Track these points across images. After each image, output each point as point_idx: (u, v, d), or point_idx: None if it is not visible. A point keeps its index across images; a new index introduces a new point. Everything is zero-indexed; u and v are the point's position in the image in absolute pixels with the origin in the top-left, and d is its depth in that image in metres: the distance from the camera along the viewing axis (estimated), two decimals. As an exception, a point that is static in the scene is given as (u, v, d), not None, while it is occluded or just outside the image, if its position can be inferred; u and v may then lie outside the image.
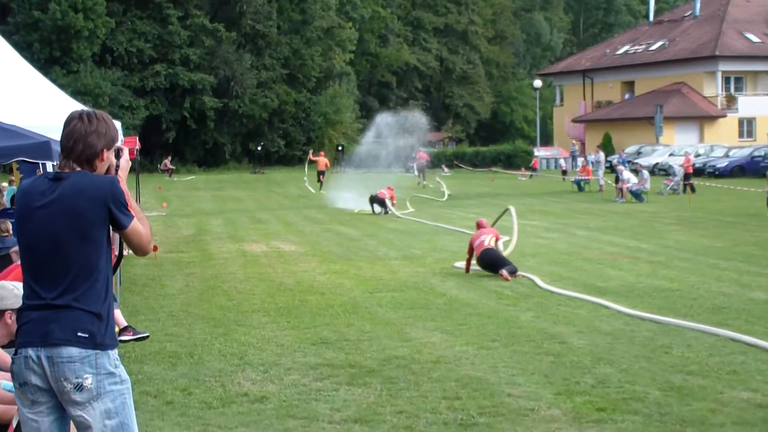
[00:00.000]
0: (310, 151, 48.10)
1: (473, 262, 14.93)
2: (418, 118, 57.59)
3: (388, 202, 27.68)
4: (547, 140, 77.19)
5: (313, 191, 41.05)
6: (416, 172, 48.06)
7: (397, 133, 67.47)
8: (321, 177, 43.65)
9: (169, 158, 58.78)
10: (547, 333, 10.11)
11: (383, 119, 51.90)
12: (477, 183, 47.48)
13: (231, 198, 36.57)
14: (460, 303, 12.19)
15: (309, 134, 70.41)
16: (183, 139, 64.11)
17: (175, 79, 61.28)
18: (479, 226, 15.48)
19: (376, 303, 12.24)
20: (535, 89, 72.52)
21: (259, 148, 61.24)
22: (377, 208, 27.95)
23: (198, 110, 62.56)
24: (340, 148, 61.25)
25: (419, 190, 36.85)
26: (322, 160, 45.49)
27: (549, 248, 18.43)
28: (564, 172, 49.69)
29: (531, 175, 51.58)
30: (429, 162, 51.48)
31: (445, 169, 59.76)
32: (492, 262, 14.55)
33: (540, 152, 63.76)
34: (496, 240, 15.01)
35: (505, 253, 15.38)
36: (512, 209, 17.88)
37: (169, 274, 15.24)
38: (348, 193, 35.03)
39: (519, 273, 14.56)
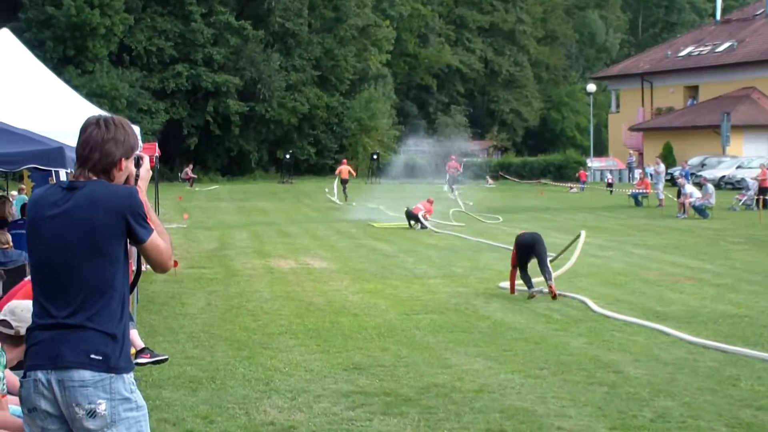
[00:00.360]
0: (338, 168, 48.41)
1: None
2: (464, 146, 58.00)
3: (420, 217, 27.68)
4: (601, 150, 76.84)
5: (338, 202, 41.15)
6: (446, 184, 48.50)
7: (438, 142, 67.71)
8: (344, 186, 43.98)
9: (191, 166, 59.24)
10: (601, 361, 10.03)
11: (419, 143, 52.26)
12: (524, 196, 47.32)
13: (257, 210, 36.74)
14: (506, 327, 12.14)
15: (341, 141, 70.67)
16: (205, 146, 64.57)
17: (198, 80, 61.77)
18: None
19: (413, 326, 12.23)
20: (589, 94, 72.27)
21: (288, 156, 61.53)
22: (414, 223, 28.03)
23: (222, 114, 62.99)
24: (375, 156, 61.51)
25: (467, 205, 36.77)
26: (345, 168, 45.77)
27: (603, 268, 18.30)
28: (610, 185, 49.29)
29: (582, 188, 51.38)
30: (460, 172, 51.82)
31: (489, 181, 59.76)
32: (528, 244, 14.66)
33: (593, 163, 63.46)
34: None
35: (555, 275, 15.25)
36: (583, 234, 17.54)
37: (190, 291, 15.32)
38: (377, 205, 35.03)
39: (569, 294, 14.48)
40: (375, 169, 61.60)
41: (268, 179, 64.28)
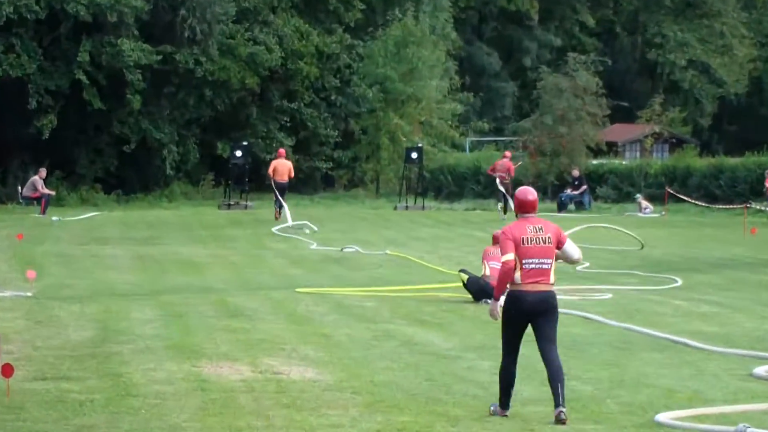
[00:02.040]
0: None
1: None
2: None
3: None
4: None
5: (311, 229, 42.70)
6: (500, 195, 49.63)
7: (540, 125, 67.96)
8: (279, 197, 46.74)
9: (43, 172, 59.29)
10: None
11: None
12: (716, 235, 47.21)
13: (175, 262, 36.78)
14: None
15: (346, 124, 70.89)
16: (74, 131, 64.70)
17: (60, 1, 61.92)
18: (524, 206, 16.16)
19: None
20: None
21: (239, 155, 61.37)
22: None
23: (108, 69, 63.13)
24: (414, 155, 61.22)
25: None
26: (283, 166, 46.74)
27: None
28: None
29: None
30: (511, 177, 52.78)
31: (645, 204, 59.40)
32: (530, 313, 15.77)
33: None
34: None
35: None
36: None
37: (39, 429, 15.24)
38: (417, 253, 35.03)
39: None
40: (417, 178, 61.55)
41: (199, 199, 64.45)
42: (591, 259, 36.01)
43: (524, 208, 16.05)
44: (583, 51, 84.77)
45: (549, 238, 15.69)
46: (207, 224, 50.45)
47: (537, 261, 15.56)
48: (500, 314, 15.82)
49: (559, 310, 23.32)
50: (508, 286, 15.62)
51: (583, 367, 19.73)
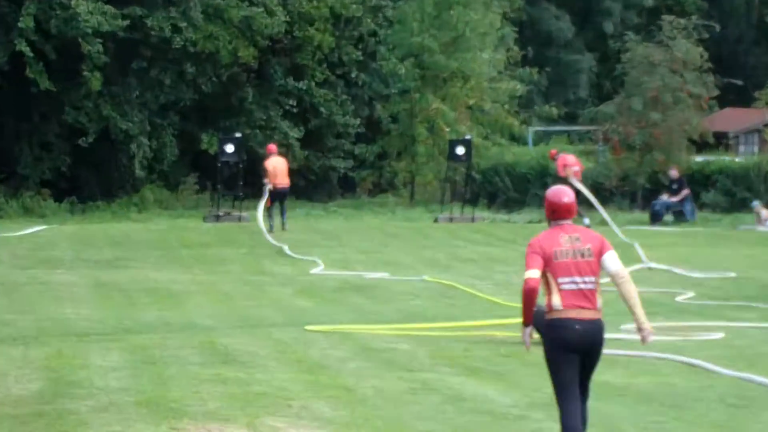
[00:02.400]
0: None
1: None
2: None
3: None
4: None
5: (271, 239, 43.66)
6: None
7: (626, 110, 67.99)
8: (282, 205, 48.19)
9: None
10: None
11: None
12: None
13: (148, 291, 36.79)
14: None
15: (371, 109, 71.03)
16: (13, 121, 64.94)
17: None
18: (558, 211, 16.06)
19: None
20: None
21: (230, 150, 61.27)
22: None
23: (58, 39, 63.29)
24: (460, 150, 61.15)
25: None
26: (283, 164, 47.44)
27: None
28: None
29: None
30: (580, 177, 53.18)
31: (764, 214, 59.14)
32: (583, 348, 15.78)
33: None
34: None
35: None
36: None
37: None
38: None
39: None
40: (464, 180, 61.59)
41: (179, 209, 64.62)
42: (695, 287, 36.03)
43: (558, 213, 15.96)
44: (682, 13, 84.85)
45: (588, 250, 15.61)
46: (189, 242, 50.56)
47: (576, 280, 15.53)
48: (530, 342, 15.93)
49: (656, 354, 23.31)
50: (546, 312, 15.56)
51: (687, 429, 19.60)
